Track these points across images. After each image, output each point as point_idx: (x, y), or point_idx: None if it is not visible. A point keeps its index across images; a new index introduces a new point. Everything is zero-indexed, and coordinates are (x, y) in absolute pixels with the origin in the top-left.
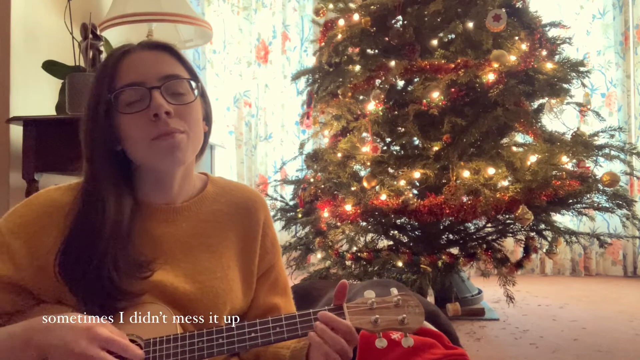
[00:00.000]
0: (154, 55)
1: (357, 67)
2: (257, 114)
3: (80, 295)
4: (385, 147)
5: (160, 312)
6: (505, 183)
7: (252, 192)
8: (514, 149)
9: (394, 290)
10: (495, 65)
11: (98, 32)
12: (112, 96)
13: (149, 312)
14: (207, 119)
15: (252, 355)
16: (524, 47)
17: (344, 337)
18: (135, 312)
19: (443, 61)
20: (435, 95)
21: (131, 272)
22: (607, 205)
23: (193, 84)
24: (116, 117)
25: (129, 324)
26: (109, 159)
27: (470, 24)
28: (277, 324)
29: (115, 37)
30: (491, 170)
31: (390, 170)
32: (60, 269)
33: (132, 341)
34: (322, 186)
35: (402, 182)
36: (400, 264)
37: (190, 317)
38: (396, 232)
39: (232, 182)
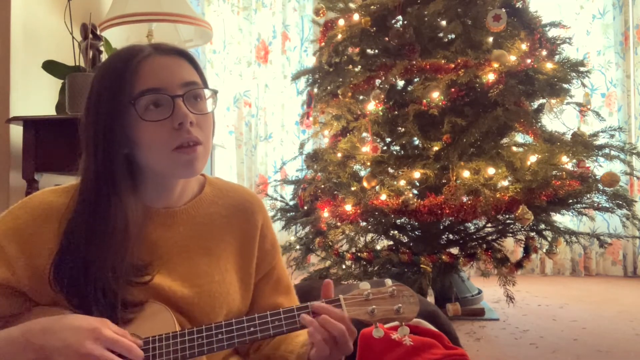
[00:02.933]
0: (174, 61)
1: (357, 67)
2: (257, 114)
3: (80, 307)
4: (385, 147)
5: (159, 310)
6: (505, 183)
7: (249, 194)
8: (514, 149)
9: (389, 281)
10: (495, 65)
11: (98, 32)
12: (133, 101)
13: (147, 310)
14: (213, 127)
15: (263, 358)
16: (524, 47)
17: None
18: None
19: (443, 61)
20: (435, 95)
21: (128, 278)
22: (607, 205)
23: (208, 92)
24: (134, 121)
25: (128, 322)
26: (119, 162)
27: (470, 24)
28: (276, 318)
29: (115, 37)
30: (491, 170)
31: (390, 170)
32: (56, 278)
33: None
34: (322, 186)
35: (402, 182)
36: (400, 264)
37: (188, 320)
38: (396, 232)
39: (229, 183)
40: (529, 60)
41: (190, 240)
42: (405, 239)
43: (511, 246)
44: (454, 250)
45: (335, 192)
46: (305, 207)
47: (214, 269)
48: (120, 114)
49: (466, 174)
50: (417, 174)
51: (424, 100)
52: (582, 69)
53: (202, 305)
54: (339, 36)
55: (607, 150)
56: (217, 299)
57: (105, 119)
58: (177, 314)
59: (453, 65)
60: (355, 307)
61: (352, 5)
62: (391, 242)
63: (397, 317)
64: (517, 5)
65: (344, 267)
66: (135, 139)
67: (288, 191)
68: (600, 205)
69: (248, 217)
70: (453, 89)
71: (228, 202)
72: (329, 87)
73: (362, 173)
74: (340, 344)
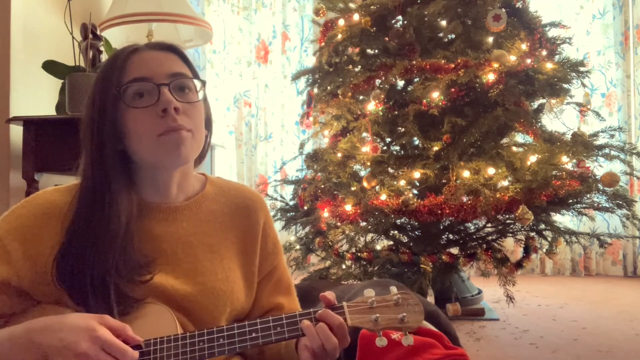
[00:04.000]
0: (162, 55)
1: (357, 67)
2: (257, 114)
3: (81, 302)
4: (385, 147)
5: (160, 312)
6: (505, 183)
7: (251, 192)
8: (514, 149)
9: (394, 289)
10: (495, 65)
11: (98, 32)
12: (120, 90)
13: (148, 312)
14: (208, 123)
15: (258, 348)
16: (524, 47)
17: (336, 333)
18: (135, 312)
19: (443, 61)
20: (435, 95)
21: (131, 275)
22: (607, 205)
23: (198, 84)
24: (123, 112)
25: (129, 324)
26: (115, 157)
27: (470, 24)
28: (278, 324)
29: (115, 37)
30: (491, 170)
31: (390, 170)
32: (58, 275)
33: None
34: (322, 186)
35: (402, 182)
36: (400, 264)
37: (190, 318)
38: (396, 232)
39: (230, 182)
40: (529, 60)
41: (194, 236)
42: (405, 239)
43: (511, 246)
44: (454, 250)
45: (335, 192)
46: (305, 207)
47: (217, 267)
48: (111, 107)
49: (466, 174)
50: (417, 174)
51: (424, 100)
52: (582, 69)
53: (205, 302)
54: (339, 36)
55: (607, 150)
56: (221, 297)
57: (97, 114)
58: (178, 313)
59: (453, 65)
60: (359, 315)
61: (352, 5)
62: (391, 242)
63: (401, 326)
64: (517, 5)
65: (344, 267)
66: (125, 130)
67: (288, 191)
68: (600, 205)
69: (250, 214)
70: (453, 89)
71: (230, 200)
72: (329, 87)
73: (362, 173)
74: (329, 356)
